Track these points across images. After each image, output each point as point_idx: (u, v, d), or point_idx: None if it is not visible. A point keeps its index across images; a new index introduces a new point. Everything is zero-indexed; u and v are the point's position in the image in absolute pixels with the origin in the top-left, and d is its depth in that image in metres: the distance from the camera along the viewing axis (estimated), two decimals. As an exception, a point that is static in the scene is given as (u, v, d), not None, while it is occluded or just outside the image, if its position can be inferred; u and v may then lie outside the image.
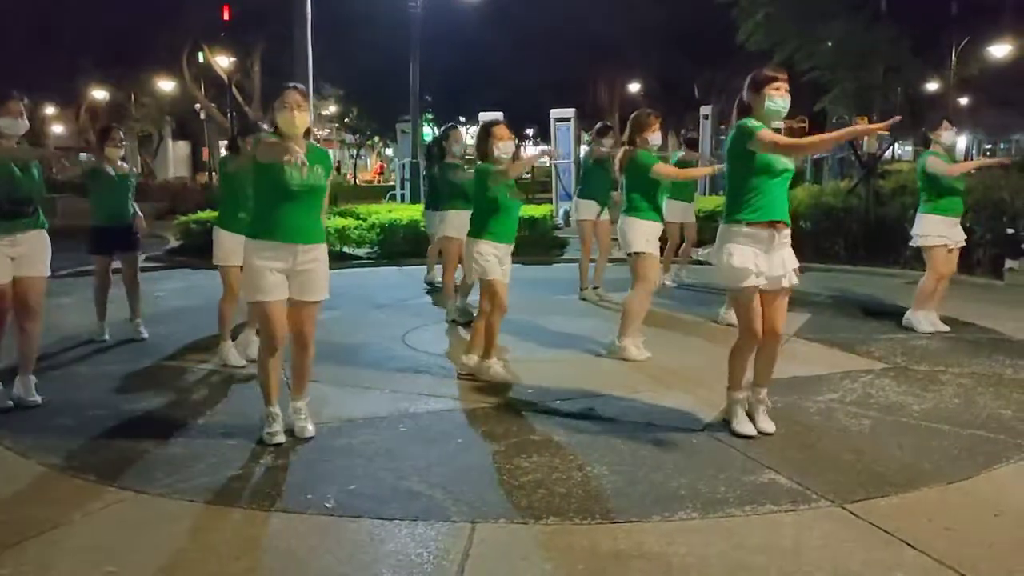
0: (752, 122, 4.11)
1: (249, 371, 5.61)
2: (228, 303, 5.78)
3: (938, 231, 6.48)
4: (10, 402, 4.79)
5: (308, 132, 4.20)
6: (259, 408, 4.35)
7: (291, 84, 4.17)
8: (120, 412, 4.72)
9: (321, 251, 4.21)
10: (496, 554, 3.06)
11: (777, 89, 4.10)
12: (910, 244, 6.81)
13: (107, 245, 6.57)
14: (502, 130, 5.35)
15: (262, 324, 4.23)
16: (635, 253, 5.80)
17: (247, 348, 5.74)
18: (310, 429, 4.28)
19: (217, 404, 4.90)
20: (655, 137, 5.85)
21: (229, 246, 5.56)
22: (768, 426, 4.29)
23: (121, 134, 6.63)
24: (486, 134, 5.35)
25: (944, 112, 8.60)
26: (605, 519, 3.30)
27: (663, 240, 6.43)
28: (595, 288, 8.38)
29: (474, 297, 6.62)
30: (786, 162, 4.15)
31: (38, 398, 4.82)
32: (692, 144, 9.12)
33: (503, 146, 5.28)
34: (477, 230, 5.28)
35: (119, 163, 6.60)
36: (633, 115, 6.00)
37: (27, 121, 4.74)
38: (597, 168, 8.28)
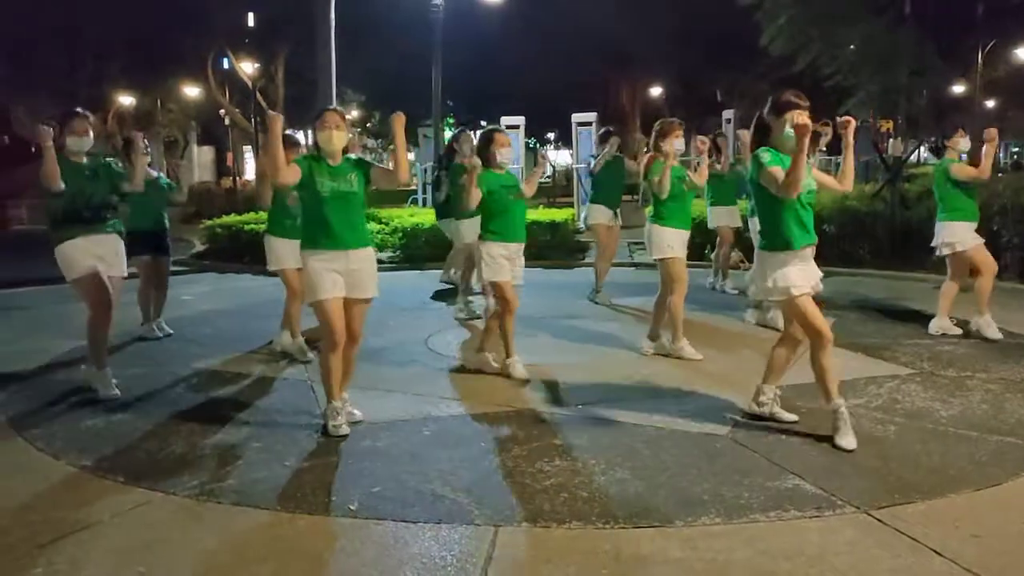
0: (763, 154, 4.15)
1: (273, 374, 5.70)
2: (292, 302, 6.12)
3: (969, 236, 6.52)
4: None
5: (346, 148, 4.50)
6: (287, 412, 4.74)
7: (331, 106, 4.73)
8: (149, 415, 4.79)
9: (369, 252, 4.53)
10: (519, 558, 3.07)
11: (799, 117, 4.09)
12: (937, 254, 6.74)
13: (142, 248, 6.86)
14: (503, 137, 5.58)
15: (323, 322, 4.41)
16: (661, 259, 5.95)
17: (281, 345, 6.18)
18: (357, 414, 4.60)
19: (245, 408, 4.95)
20: (678, 143, 5.95)
21: (280, 251, 6.02)
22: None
23: (144, 142, 6.85)
24: (488, 141, 5.58)
25: (961, 120, 8.66)
26: (628, 524, 3.30)
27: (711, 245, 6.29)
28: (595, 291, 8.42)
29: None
30: (809, 183, 4.16)
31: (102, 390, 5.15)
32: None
33: (504, 152, 5.50)
34: (485, 232, 5.51)
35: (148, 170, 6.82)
36: (658, 122, 6.19)
37: (92, 138, 5.17)
38: (609, 173, 8.29)
